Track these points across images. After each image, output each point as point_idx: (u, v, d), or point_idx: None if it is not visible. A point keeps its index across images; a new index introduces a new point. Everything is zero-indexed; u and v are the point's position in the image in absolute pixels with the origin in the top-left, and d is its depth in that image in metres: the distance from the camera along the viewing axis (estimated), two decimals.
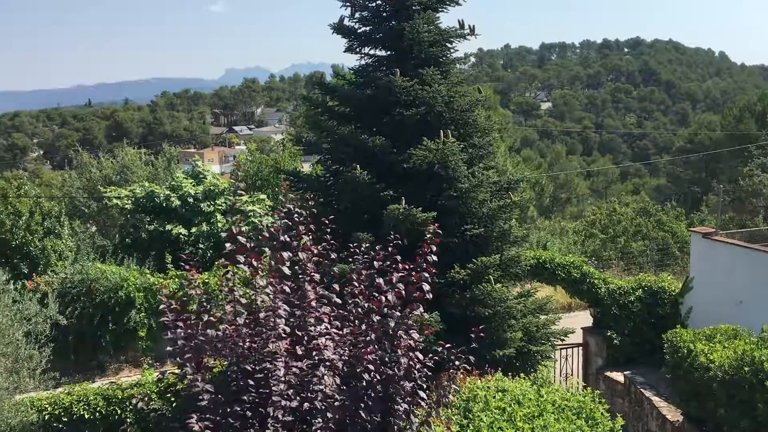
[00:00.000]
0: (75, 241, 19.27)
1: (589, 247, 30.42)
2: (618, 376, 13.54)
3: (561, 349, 13.99)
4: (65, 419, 7.73)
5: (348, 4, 11.79)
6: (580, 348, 14.72)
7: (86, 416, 7.77)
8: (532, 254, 13.93)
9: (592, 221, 35.97)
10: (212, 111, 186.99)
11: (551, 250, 21.54)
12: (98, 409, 7.82)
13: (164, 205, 19.55)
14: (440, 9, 12.09)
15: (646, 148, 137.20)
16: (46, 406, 7.75)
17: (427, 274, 6.78)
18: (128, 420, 7.77)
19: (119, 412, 7.84)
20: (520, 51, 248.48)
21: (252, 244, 6.81)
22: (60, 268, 16.41)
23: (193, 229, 19.25)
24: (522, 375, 8.83)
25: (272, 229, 6.97)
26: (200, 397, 6.30)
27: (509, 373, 9.03)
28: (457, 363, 6.75)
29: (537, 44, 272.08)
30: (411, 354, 6.54)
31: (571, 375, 14.19)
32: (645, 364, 13.50)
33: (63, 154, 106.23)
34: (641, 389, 12.52)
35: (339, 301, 6.95)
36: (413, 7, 11.65)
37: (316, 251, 7.13)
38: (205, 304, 6.89)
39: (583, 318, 15.74)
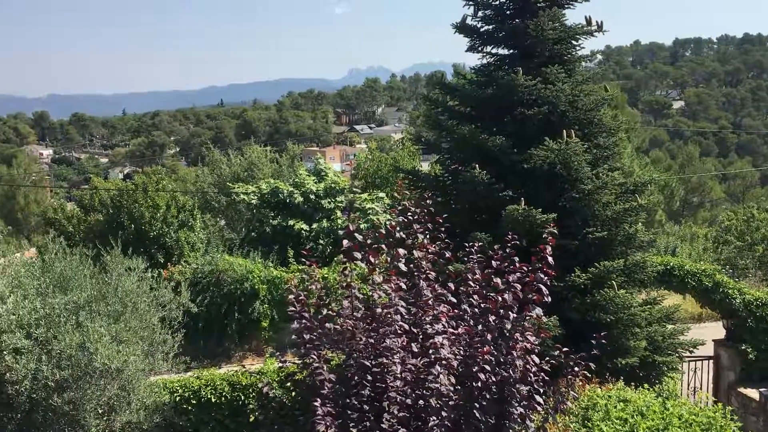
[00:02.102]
0: (206, 233, 20.42)
1: (723, 255, 28.61)
2: (752, 393, 12.67)
3: (689, 361, 13.26)
4: (194, 402, 8.18)
5: (471, 2, 11.73)
6: (711, 361, 13.89)
7: (213, 400, 8.19)
8: (660, 260, 13.28)
9: (727, 227, 33.78)
10: (335, 110, 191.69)
11: (680, 257, 20.45)
12: (224, 394, 8.23)
13: (287, 201, 20.26)
14: (566, 5, 11.78)
15: None
16: (177, 388, 8.23)
17: (544, 276, 6.63)
18: (250, 406, 8.12)
19: (243, 398, 8.21)
20: (650, 47, 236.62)
21: (369, 241, 6.92)
22: (192, 258, 17.42)
23: (314, 225, 19.81)
24: (646, 386, 8.46)
25: (389, 227, 7.05)
26: (322, 386, 6.48)
27: (632, 383, 8.67)
28: (576, 369, 6.57)
29: (669, 40, 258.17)
30: (527, 357, 6.43)
31: (700, 389, 13.42)
32: None
33: (196, 151, 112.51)
34: None
35: (454, 300, 6.94)
36: (538, 4, 11.41)
37: (432, 250, 7.15)
38: (324, 298, 7.08)
39: (715, 329, 14.82)
